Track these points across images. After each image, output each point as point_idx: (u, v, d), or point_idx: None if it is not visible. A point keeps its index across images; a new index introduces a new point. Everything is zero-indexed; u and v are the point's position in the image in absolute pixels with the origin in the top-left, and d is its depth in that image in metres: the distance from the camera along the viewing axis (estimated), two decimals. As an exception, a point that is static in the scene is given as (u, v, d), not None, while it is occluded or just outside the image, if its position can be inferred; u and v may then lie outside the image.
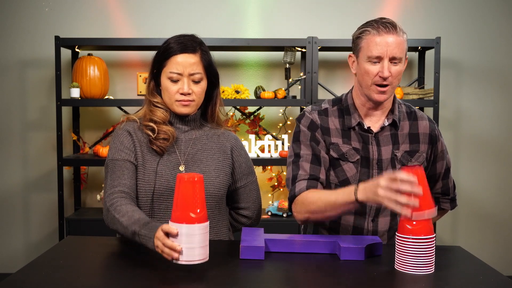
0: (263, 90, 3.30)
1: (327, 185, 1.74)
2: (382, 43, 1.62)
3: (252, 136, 3.31)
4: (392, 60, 1.63)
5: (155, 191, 1.67)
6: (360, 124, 1.74)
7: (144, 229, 1.43)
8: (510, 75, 3.61)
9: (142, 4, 3.53)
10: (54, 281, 1.28)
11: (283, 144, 3.33)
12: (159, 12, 3.53)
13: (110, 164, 1.69)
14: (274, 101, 3.24)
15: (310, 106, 1.83)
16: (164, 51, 1.71)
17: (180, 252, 1.28)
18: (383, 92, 1.66)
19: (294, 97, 3.30)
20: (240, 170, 1.82)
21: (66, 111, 3.51)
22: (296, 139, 1.76)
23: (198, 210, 1.29)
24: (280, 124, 3.57)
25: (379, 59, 1.63)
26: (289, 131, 3.55)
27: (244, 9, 3.56)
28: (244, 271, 1.37)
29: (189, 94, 1.67)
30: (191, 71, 1.67)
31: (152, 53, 3.70)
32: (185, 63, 1.67)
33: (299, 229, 3.20)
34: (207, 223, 1.31)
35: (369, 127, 1.73)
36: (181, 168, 1.71)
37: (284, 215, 3.29)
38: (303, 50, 3.30)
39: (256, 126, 3.49)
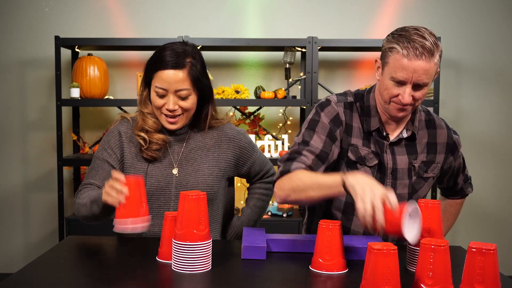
0: (263, 90, 3.30)
1: None
2: (409, 69, 1.47)
3: (252, 136, 3.31)
4: (417, 85, 1.51)
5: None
6: (379, 130, 1.66)
7: (96, 194, 1.55)
8: (509, 75, 3.61)
9: (142, 4, 3.53)
10: (54, 281, 1.27)
11: (283, 144, 3.33)
12: (159, 12, 3.53)
13: (93, 160, 1.74)
14: (274, 101, 3.23)
15: (334, 96, 1.70)
16: (153, 63, 1.65)
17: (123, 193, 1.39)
18: (402, 110, 1.57)
19: (294, 97, 3.30)
20: (246, 152, 1.81)
21: (66, 111, 3.51)
22: (311, 127, 1.64)
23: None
24: (280, 124, 3.57)
25: (402, 83, 1.51)
26: (289, 131, 3.55)
27: (244, 9, 3.55)
28: (246, 271, 1.37)
29: (174, 110, 1.64)
30: (177, 88, 1.62)
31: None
32: (170, 79, 1.61)
33: (299, 229, 3.19)
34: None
35: (387, 134, 1.66)
36: (174, 171, 1.70)
37: (284, 215, 3.29)
38: (303, 50, 3.30)
39: (256, 126, 3.49)
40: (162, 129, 1.73)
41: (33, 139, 3.57)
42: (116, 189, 1.40)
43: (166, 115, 1.66)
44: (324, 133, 1.62)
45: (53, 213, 3.56)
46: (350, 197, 1.67)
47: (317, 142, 1.61)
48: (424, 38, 1.48)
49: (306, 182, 1.48)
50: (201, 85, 1.67)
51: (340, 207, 1.70)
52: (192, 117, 1.74)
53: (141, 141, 1.68)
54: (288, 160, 1.59)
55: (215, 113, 1.77)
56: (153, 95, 1.65)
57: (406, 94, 1.51)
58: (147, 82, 1.70)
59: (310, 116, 1.68)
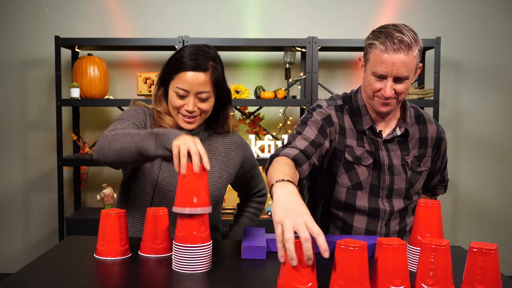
0: (263, 90, 3.30)
1: (338, 187, 1.70)
2: (388, 63, 1.53)
3: (252, 136, 3.31)
4: (397, 79, 1.56)
5: (157, 185, 1.67)
6: (372, 128, 1.69)
7: (165, 130, 1.41)
8: (510, 75, 3.61)
9: (142, 5, 3.53)
10: (54, 281, 1.27)
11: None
12: (159, 12, 3.53)
13: (118, 122, 1.63)
14: (274, 101, 3.24)
15: (324, 100, 1.74)
16: (176, 64, 1.64)
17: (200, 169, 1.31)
18: (386, 104, 1.61)
19: (294, 97, 3.30)
20: (248, 164, 1.85)
21: (66, 111, 3.51)
22: (303, 122, 1.67)
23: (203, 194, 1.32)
24: (280, 124, 3.57)
25: (383, 77, 1.56)
26: (289, 131, 3.55)
27: (244, 9, 3.55)
28: (246, 271, 1.37)
29: (193, 111, 1.65)
30: (199, 90, 1.62)
31: (152, 53, 3.72)
32: (193, 81, 1.61)
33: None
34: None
35: (380, 131, 1.69)
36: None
37: (284, 215, 3.29)
38: (303, 50, 3.30)
39: (256, 126, 3.49)
40: (178, 128, 1.73)
41: (33, 139, 3.57)
42: (195, 156, 1.31)
43: (183, 115, 1.66)
44: (316, 127, 1.64)
45: (53, 213, 3.56)
46: (349, 196, 1.69)
47: (309, 132, 1.63)
48: (402, 33, 1.54)
49: (271, 172, 1.39)
50: (221, 88, 1.68)
51: (340, 205, 1.72)
52: (206, 120, 1.76)
53: None
54: (283, 147, 1.59)
55: (234, 119, 1.80)
56: (172, 95, 1.65)
57: (387, 87, 1.56)
58: (164, 82, 1.69)
59: (302, 116, 1.72)
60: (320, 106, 1.71)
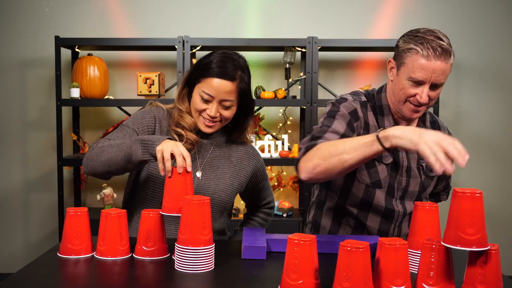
0: (263, 90, 3.30)
1: (357, 184, 1.68)
2: (428, 69, 1.51)
3: (252, 136, 3.31)
4: (434, 85, 1.55)
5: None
6: None
7: (149, 136, 1.50)
8: (510, 75, 3.61)
9: (142, 4, 3.53)
10: (54, 281, 1.27)
11: (283, 144, 3.33)
12: (159, 12, 3.53)
13: (120, 127, 1.68)
14: (274, 101, 3.24)
15: (349, 95, 1.71)
16: (204, 68, 1.65)
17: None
18: (416, 111, 1.59)
19: (294, 97, 3.30)
20: (259, 175, 1.86)
21: (66, 111, 3.51)
22: (330, 116, 1.62)
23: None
24: (280, 124, 3.57)
25: (420, 83, 1.54)
26: (289, 131, 3.55)
27: (244, 9, 3.55)
28: (246, 271, 1.37)
29: (215, 117, 1.65)
30: (224, 98, 1.63)
31: (152, 53, 3.71)
32: (219, 89, 1.62)
33: (299, 229, 3.19)
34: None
35: None
36: (198, 174, 1.71)
37: (284, 215, 3.29)
38: (303, 50, 3.30)
39: (256, 126, 3.49)
40: (197, 130, 1.73)
41: (33, 139, 3.57)
42: (178, 157, 1.40)
43: (204, 118, 1.67)
44: (345, 121, 1.61)
45: (53, 213, 3.56)
46: (367, 194, 1.68)
47: (338, 126, 1.59)
48: (441, 39, 1.53)
49: (339, 146, 1.43)
50: (246, 99, 1.69)
51: (356, 203, 1.71)
52: (224, 126, 1.76)
53: (176, 137, 1.68)
54: (312, 139, 1.56)
55: (252, 133, 1.79)
56: (196, 97, 1.66)
57: (424, 94, 1.54)
58: (190, 82, 1.70)
59: (327, 109, 1.67)
60: (345, 100, 1.67)
